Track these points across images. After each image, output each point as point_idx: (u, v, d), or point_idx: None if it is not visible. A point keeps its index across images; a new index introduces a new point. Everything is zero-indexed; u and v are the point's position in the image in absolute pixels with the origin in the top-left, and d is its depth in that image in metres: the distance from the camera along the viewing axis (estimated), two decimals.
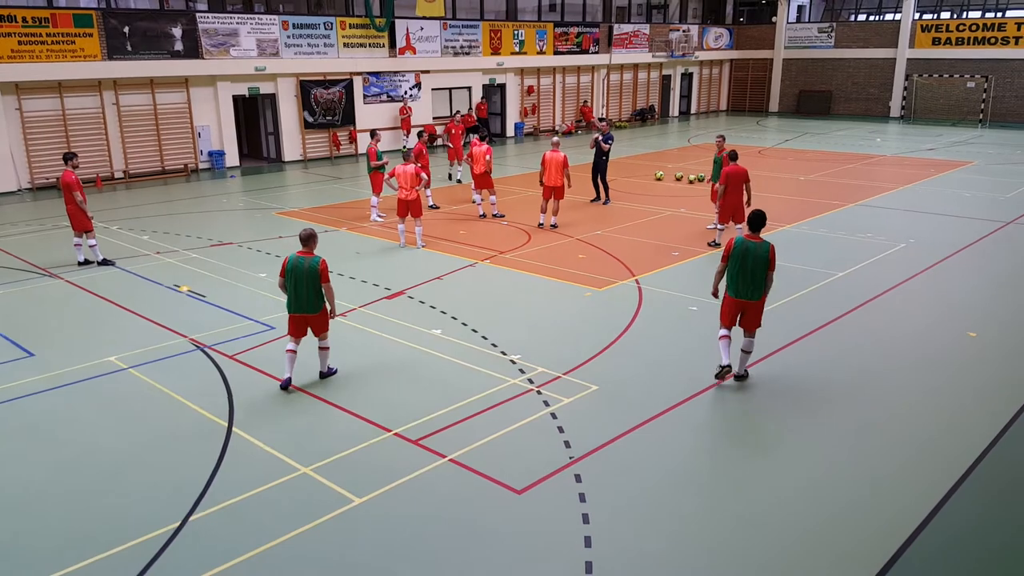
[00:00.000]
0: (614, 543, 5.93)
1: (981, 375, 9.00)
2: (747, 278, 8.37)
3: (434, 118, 30.07)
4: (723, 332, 8.58)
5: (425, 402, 8.23)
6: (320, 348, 8.83)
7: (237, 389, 8.63)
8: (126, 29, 22.12)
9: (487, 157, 17.03)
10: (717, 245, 14.50)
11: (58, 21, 20.86)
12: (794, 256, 13.79)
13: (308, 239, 8.56)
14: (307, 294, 8.49)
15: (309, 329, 8.71)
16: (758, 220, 8.45)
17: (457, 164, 22.16)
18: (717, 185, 14.77)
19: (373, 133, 17.52)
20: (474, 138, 18.74)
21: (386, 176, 15.29)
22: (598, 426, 7.70)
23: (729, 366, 8.53)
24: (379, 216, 16.98)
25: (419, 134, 19.31)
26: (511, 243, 14.97)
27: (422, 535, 6.06)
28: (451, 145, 21.99)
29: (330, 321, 8.77)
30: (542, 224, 16.19)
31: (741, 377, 8.74)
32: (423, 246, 14.65)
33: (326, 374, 8.93)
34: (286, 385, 8.58)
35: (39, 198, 20.27)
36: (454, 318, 10.78)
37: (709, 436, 7.58)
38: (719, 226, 14.65)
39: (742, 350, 8.66)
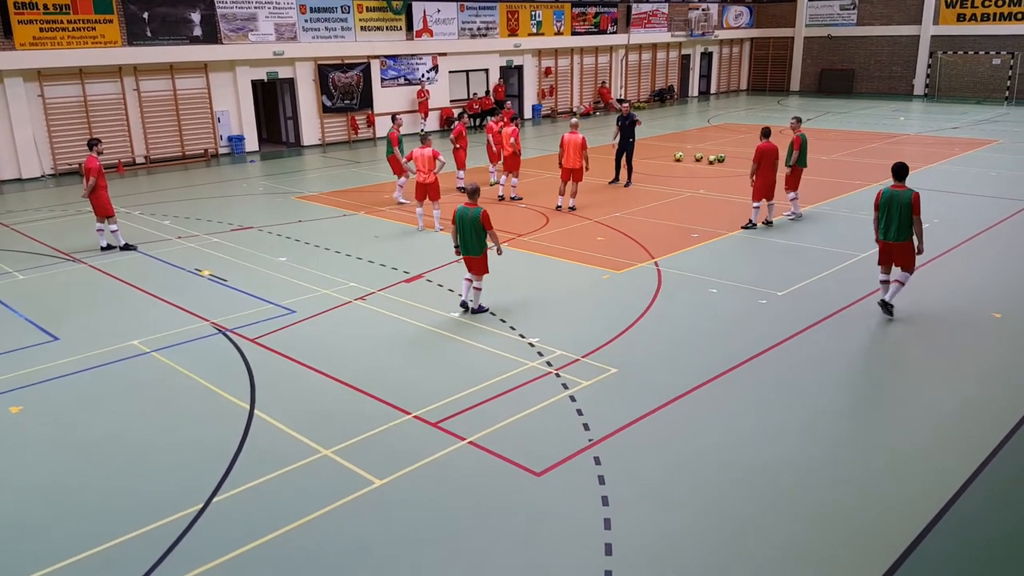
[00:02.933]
0: (633, 525, 5.94)
1: (1007, 356, 8.88)
2: (892, 222, 9.57)
3: (451, 101, 30.00)
4: (881, 276, 10.01)
5: (444, 385, 8.26)
6: (474, 288, 10.23)
7: (259, 372, 8.71)
8: (146, 15, 22.22)
9: (511, 140, 17.02)
10: (752, 226, 14.35)
11: (79, 7, 20.99)
12: (816, 236, 13.67)
13: (473, 192, 10.11)
14: (470, 239, 10.00)
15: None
16: (903, 170, 9.57)
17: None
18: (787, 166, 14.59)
19: (394, 118, 17.55)
20: (489, 121, 18.80)
21: (404, 160, 15.28)
22: (617, 409, 7.70)
23: (891, 306, 9.86)
24: (404, 199, 16.94)
25: (459, 116, 19.29)
26: (529, 226, 14.95)
27: (442, 517, 6.10)
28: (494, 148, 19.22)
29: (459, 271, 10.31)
30: (560, 207, 16.14)
31: (887, 305, 9.83)
32: (441, 229, 14.65)
33: (476, 311, 10.23)
34: (463, 304, 10.30)
35: (62, 184, 20.49)
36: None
37: (727, 419, 7.55)
38: (755, 204, 14.30)
39: (895, 280, 9.84)
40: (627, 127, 18.12)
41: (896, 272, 9.86)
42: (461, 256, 10.28)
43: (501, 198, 17.21)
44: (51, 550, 5.77)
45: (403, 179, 16.97)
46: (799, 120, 14.84)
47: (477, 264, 10.15)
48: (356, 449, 7.05)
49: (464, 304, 10.30)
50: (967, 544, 5.75)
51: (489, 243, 10.09)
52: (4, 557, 5.74)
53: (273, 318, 10.34)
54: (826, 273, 11.72)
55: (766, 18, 43.45)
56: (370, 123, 27.73)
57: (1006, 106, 34.37)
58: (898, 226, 9.56)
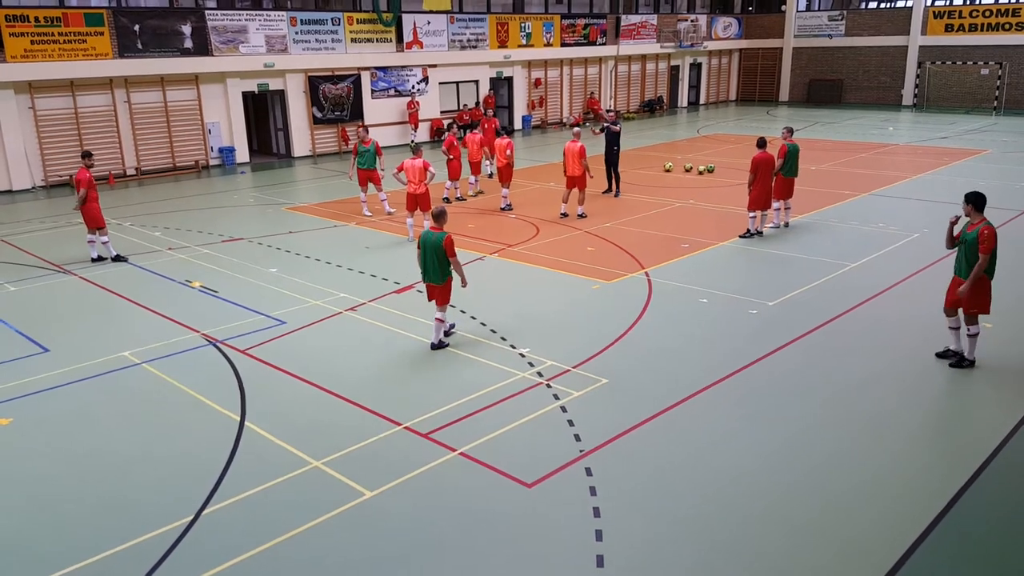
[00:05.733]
0: (625, 536, 5.95)
1: (998, 366, 8.93)
2: (961, 257, 8.65)
3: (441, 112, 30.09)
4: (951, 323, 8.90)
5: (435, 396, 8.27)
6: (435, 318, 9.42)
7: (249, 384, 8.69)
8: (136, 27, 22.22)
9: (508, 152, 17.25)
10: (751, 235, 14.40)
11: (70, 20, 20.97)
12: (806, 247, 13.75)
13: (438, 216, 9.31)
14: (432, 265, 9.22)
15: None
16: (983, 200, 8.51)
17: (486, 159, 21.37)
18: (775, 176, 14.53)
19: (366, 130, 17.59)
20: (471, 133, 19.19)
21: (394, 171, 15.32)
22: (608, 419, 7.71)
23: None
24: (390, 209, 16.98)
25: (449, 126, 19.51)
26: (520, 236, 14.98)
27: (433, 529, 6.10)
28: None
29: (453, 293, 9.45)
30: (564, 214, 16.21)
31: (971, 363, 8.82)
32: None
33: (436, 346, 9.43)
34: (434, 346, 9.41)
35: (53, 195, 20.42)
36: (463, 311, 10.80)
37: (719, 429, 7.58)
38: (751, 214, 14.39)
39: (970, 335, 8.80)
40: (610, 136, 18.28)
41: (963, 325, 8.81)
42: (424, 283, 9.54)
43: (504, 209, 17.27)
44: (42, 562, 5.74)
45: (379, 192, 16.92)
46: (790, 130, 14.97)
47: (439, 292, 9.38)
48: (347, 460, 7.04)
49: (434, 346, 9.46)
50: (955, 558, 5.78)
51: (453, 272, 9.38)
52: None
53: (264, 329, 10.33)
54: (817, 283, 11.79)
55: (755, 29, 43.76)
56: None
57: (994, 116, 34.67)
58: (965, 262, 8.60)
